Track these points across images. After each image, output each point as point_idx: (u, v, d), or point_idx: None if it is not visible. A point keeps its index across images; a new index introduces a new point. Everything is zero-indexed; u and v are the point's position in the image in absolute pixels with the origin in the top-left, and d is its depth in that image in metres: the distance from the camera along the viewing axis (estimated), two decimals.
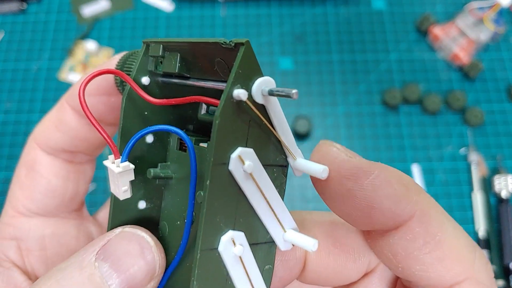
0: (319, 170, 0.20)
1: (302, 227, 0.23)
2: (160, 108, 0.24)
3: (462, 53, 0.74)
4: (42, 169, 0.29)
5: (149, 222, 0.24)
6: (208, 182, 0.18)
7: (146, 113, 0.23)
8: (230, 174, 0.19)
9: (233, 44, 0.19)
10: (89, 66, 0.74)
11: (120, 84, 0.26)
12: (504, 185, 0.66)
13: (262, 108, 0.20)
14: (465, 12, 0.76)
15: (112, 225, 0.23)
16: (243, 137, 0.20)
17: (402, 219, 0.19)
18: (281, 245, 0.22)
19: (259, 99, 0.19)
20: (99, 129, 0.21)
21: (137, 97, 0.23)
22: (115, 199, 0.23)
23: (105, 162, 0.22)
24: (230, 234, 0.20)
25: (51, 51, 0.76)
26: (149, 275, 0.21)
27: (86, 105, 0.21)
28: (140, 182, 0.24)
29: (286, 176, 0.22)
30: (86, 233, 0.30)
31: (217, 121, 0.18)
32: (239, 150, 0.19)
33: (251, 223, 0.21)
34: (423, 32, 0.77)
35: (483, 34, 0.75)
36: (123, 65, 0.25)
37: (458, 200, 0.68)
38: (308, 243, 0.21)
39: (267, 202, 0.21)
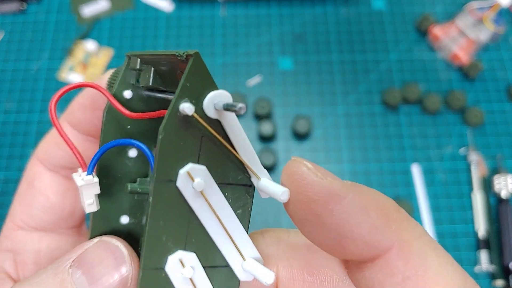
0: (279, 192, 0.18)
1: (276, 248, 0.22)
2: (142, 122, 0.23)
3: (462, 53, 0.74)
4: (41, 184, 0.29)
5: (132, 238, 0.24)
6: (150, 199, 0.18)
7: (128, 127, 0.23)
8: (178, 192, 0.18)
9: (184, 56, 0.18)
10: (89, 66, 0.74)
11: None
12: (504, 185, 0.66)
13: (218, 124, 0.19)
14: (465, 12, 0.76)
15: (92, 236, 0.23)
16: (194, 153, 0.18)
17: (379, 252, 0.17)
18: (240, 274, 0.20)
19: (211, 114, 0.18)
20: (66, 139, 0.21)
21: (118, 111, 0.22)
22: (95, 214, 0.23)
23: (74, 175, 0.22)
24: (178, 255, 0.19)
25: (51, 51, 0.76)
26: (121, 285, 0.21)
27: (56, 115, 0.21)
28: (124, 196, 0.24)
29: (251, 196, 0.21)
30: None
31: (160, 136, 0.17)
32: (189, 166, 0.18)
33: (206, 245, 0.20)
34: (423, 32, 0.77)
35: (483, 34, 0.75)
36: (112, 79, 0.25)
37: (458, 200, 0.68)
38: (264, 275, 0.19)
39: (222, 224, 0.20)
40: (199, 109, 0.18)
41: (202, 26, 0.78)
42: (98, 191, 0.21)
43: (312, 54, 0.77)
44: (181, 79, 0.19)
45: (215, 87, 0.19)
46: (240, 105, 0.17)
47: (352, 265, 0.18)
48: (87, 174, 0.21)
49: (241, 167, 0.20)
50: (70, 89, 0.21)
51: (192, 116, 0.18)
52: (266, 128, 0.68)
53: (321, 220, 0.17)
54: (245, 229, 0.20)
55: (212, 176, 0.19)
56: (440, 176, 0.69)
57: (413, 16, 0.79)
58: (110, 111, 0.23)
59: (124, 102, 0.23)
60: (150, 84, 0.22)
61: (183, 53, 0.18)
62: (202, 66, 0.18)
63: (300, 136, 0.70)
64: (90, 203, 0.21)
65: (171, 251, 0.19)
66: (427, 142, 0.71)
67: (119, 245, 0.22)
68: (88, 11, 0.79)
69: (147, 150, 0.20)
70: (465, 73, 0.74)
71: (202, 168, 0.18)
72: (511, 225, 0.64)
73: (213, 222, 0.19)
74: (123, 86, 0.23)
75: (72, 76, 0.74)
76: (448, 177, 0.69)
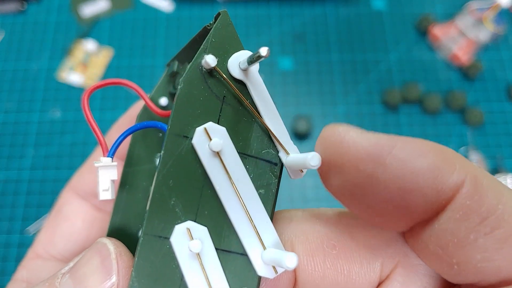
0: (308, 156, 0.16)
1: (288, 223, 0.19)
2: None
3: (461, 53, 0.74)
4: (68, 210, 0.28)
5: None
6: (161, 153, 0.16)
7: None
8: (193, 151, 0.17)
9: (213, 20, 0.18)
10: (89, 66, 0.74)
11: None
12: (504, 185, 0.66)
13: (244, 88, 0.18)
14: (465, 12, 0.76)
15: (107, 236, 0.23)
16: (214, 114, 0.17)
17: (448, 194, 0.14)
18: (259, 267, 0.17)
19: (236, 73, 0.17)
20: (93, 124, 0.20)
21: (154, 114, 0.21)
22: (114, 211, 0.22)
23: (96, 163, 0.20)
24: (187, 224, 0.16)
25: (51, 51, 0.76)
26: (107, 285, 0.19)
27: (88, 106, 0.20)
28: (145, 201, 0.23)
29: (276, 177, 0.18)
30: None
31: (179, 86, 0.16)
32: (208, 124, 0.17)
33: (221, 223, 0.17)
34: (422, 32, 0.77)
35: (483, 34, 0.75)
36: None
37: None
38: (283, 258, 0.16)
39: (240, 199, 0.17)
40: (223, 68, 0.17)
41: (202, 27, 0.78)
42: (115, 177, 0.20)
43: (312, 54, 0.77)
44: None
45: (241, 48, 0.18)
46: (262, 48, 0.16)
47: (417, 229, 0.16)
48: (107, 157, 0.20)
49: (266, 140, 0.18)
50: (103, 85, 0.20)
51: (215, 70, 0.17)
52: None
53: (375, 179, 0.14)
54: (268, 213, 0.18)
55: (233, 142, 0.17)
56: None
57: (413, 16, 0.79)
58: (145, 109, 0.22)
59: (161, 108, 0.22)
60: None
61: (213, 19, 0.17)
62: (229, 25, 0.17)
63: (300, 136, 0.70)
64: (105, 189, 0.19)
65: (179, 219, 0.17)
66: None
67: (107, 243, 0.20)
68: (88, 11, 0.79)
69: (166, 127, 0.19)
70: (465, 73, 0.74)
71: (222, 129, 0.17)
72: None
73: (230, 195, 0.17)
74: (159, 93, 0.22)
75: (72, 76, 0.74)
76: None
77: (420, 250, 0.16)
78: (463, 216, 0.14)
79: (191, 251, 0.16)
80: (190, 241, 0.16)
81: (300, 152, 0.18)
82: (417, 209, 0.15)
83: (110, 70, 0.75)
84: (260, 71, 0.19)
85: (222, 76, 0.17)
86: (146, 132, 0.23)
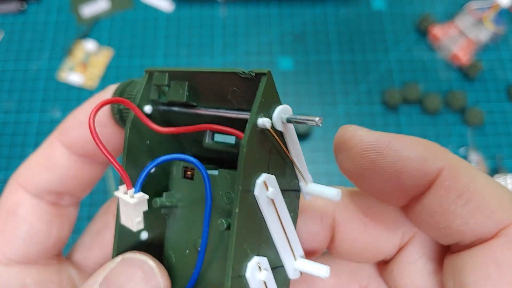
0: (334, 193, 0.21)
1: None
2: (161, 138, 0.23)
3: (461, 53, 0.74)
4: (24, 212, 0.27)
5: (151, 253, 0.23)
6: (237, 210, 0.19)
7: (148, 142, 0.23)
8: (255, 200, 0.20)
9: (253, 74, 0.20)
10: (89, 66, 0.74)
11: (118, 113, 0.25)
12: (504, 185, 0.66)
13: (281, 135, 0.21)
14: (465, 12, 0.76)
15: (116, 254, 0.23)
16: (265, 164, 0.20)
17: (432, 176, 0.19)
18: (291, 273, 0.22)
19: (279, 127, 0.20)
20: (112, 160, 0.20)
21: (141, 126, 0.22)
22: (119, 231, 0.23)
23: (117, 193, 0.21)
24: (255, 260, 0.20)
25: (50, 51, 0.76)
26: None
27: (99, 138, 0.20)
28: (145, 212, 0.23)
29: (298, 200, 0.23)
30: (68, 277, 0.28)
31: (244, 149, 0.19)
32: (264, 176, 0.20)
33: (272, 248, 0.21)
34: (422, 32, 0.77)
35: (483, 34, 0.75)
36: (120, 95, 0.25)
37: None
38: (318, 270, 0.21)
39: (283, 228, 0.21)
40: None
41: (202, 26, 0.78)
42: (146, 208, 0.21)
43: (312, 54, 0.77)
44: (230, 94, 0.21)
45: (280, 102, 0.20)
46: (317, 118, 0.19)
47: (411, 203, 0.20)
48: (136, 192, 0.21)
49: (293, 174, 0.22)
50: (104, 104, 0.21)
51: (267, 130, 0.19)
52: None
53: (377, 164, 0.19)
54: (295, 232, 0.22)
55: (278, 184, 0.20)
56: None
57: (413, 16, 0.79)
58: (134, 126, 0.23)
59: (146, 116, 0.23)
60: (185, 99, 0.22)
61: (250, 72, 0.20)
62: (273, 83, 0.20)
63: (300, 136, 0.70)
64: (139, 221, 0.21)
65: (249, 257, 0.20)
66: None
67: (146, 259, 0.21)
68: (88, 11, 0.79)
69: (202, 168, 0.21)
70: (465, 73, 0.74)
71: (272, 177, 0.20)
72: None
73: (277, 227, 0.21)
74: (143, 102, 0.23)
75: (72, 76, 0.74)
76: None
77: (415, 220, 0.21)
78: (444, 193, 0.19)
79: (260, 279, 0.20)
80: (259, 273, 0.20)
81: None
82: (408, 187, 0.19)
83: (110, 70, 0.75)
84: None
85: (275, 137, 0.20)
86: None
